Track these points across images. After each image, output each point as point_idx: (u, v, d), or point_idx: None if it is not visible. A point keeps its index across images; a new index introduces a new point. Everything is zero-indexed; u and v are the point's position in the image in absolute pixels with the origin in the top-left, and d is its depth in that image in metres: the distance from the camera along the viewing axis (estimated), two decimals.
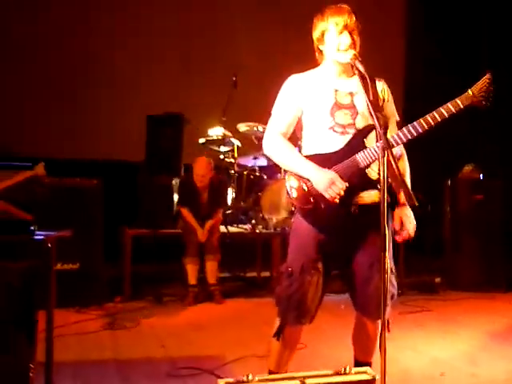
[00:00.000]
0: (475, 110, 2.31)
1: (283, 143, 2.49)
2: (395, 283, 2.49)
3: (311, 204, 2.41)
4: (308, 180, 2.41)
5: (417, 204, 2.15)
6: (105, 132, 6.20)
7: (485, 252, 5.63)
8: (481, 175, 5.80)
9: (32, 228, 2.50)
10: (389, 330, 2.24)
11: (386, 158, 2.13)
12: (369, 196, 2.42)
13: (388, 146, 2.15)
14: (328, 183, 2.34)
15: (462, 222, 5.76)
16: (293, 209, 2.55)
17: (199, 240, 4.95)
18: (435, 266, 5.99)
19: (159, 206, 5.33)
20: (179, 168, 5.54)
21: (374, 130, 2.30)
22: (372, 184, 2.40)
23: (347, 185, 2.35)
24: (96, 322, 4.22)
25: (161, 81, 6.33)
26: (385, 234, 2.08)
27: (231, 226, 5.45)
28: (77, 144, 6.11)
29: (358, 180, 2.38)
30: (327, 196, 2.35)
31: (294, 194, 2.46)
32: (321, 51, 2.51)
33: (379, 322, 2.33)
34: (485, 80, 2.27)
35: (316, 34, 2.47)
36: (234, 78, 5.54)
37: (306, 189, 2.42)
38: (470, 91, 2.27)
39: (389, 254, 2.29)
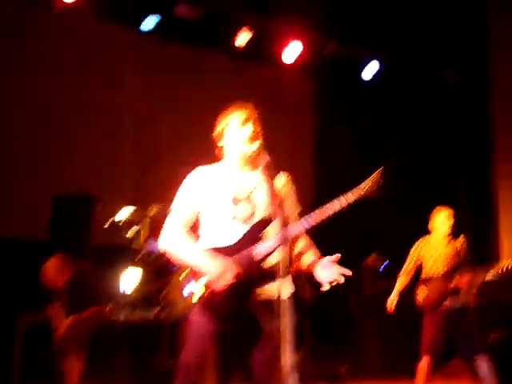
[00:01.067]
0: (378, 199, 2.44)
1: (180, 238, 2.48)
2: (297, 377, 2.46)
3: (207, 297, 2.38)
4: (203, 272, 2.39)
5: (312, 298, 2.18)
6: (9, 209, 5.90)
7: (390, 338, 5.75)
8: (385, 263, 6.05)
9: None
10: None
11: (285, 250, 2.17)
12: (267, 291, 2.42)
13: (287, 238, 2.20)
14: (221, 272, 2.34)
15: (367, 309, 5.90)
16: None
17: None
18: (342, 354, 6.01)
19: None
20: (86, 250, 5.37)
21: (274, 222, 2.35)
22: (269, 277, 2.40)
23: (243, 276, 2.36)
24: None
25: (70, 159, 6.18)
26: (284, 329, 2.08)
27: (134, 312, 5.21)
28: None
29: (255, 272, 2.39)
30: (220, 284, 2.34)
31: (187, 287, 2.43)
32: (220, 148, 2.56)
33: None
34: (376, 175, 2.41)
35: (218, 130, 2.54)
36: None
37: (202, 282, 2.40)
38: (362, 185, 2.39)
39: (289, 350, 2.27)
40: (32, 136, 5.85)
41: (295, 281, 2.35)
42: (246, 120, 2.47)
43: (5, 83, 5.70)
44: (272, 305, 2.30)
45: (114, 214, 5.58)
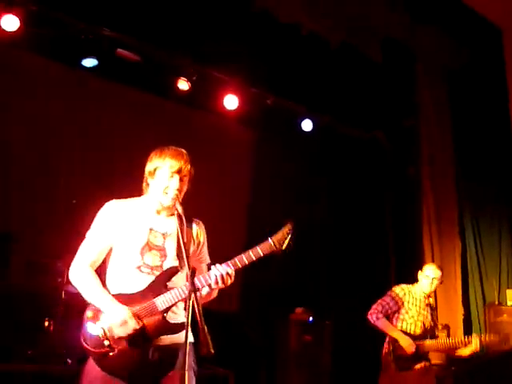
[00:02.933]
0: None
1: (87, 274, 2.42)
2: None
3: (105, 348, 2.30)
4: (105, 322, 2.32)
5: (212, 352, 2.14)
6: None
7: None
8: (310, 317, 6.06)
9: None
10: None
11: (191, 300, 2.14)
12: (168, 338, 2.38)
13: (194, 288, 2.19)
14: (121, 321, 2.28)
15: (292, 361, 5.87)
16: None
17: None
18: None
19: None
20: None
21: (182, 273, 2.35)
22: (171, 329, 2.37)
23: (142, 325, 2.30)
24: None
25: None
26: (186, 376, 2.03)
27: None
28: None
29: (157, 324, 2.34)
30: (118, 333, 2.27)
31: (89, 336, 2.34)
32: (147, 184, 2.55)
33: None
34: (285, 230, 2.40)
35: (149, 168, 2.52)
36: (74, 201, 5.40)
37: (101, 332, 2.32)
38: (270, 240, 2.39)
39: None
40: None
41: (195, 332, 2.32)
42: (176, 172, 2.47)
43: None
44: (172, 352, 2.30)
45: (34, 252, 5.36)
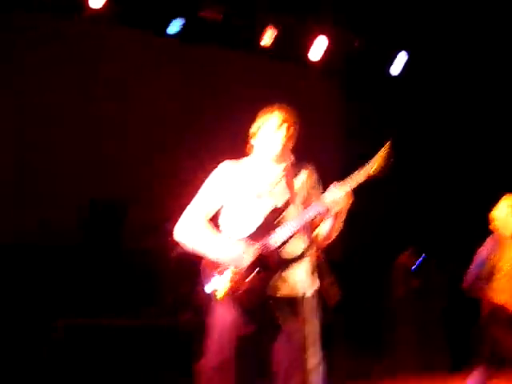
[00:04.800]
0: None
1: (200, 225, 2.52)
2: (324, 376, 2.42)
3: (229, 291, 2.39)
4: (223, 266, 2.41)
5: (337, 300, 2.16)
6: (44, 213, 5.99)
7: (424, 335, 5.68)
8: (418, 261, 5.97)
9: None
10: None
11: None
12: (287, 288, 2.43)
13: (306, 226, 2.28)
14: (239, 256, 2.38)
15: (399, 307, 5.85)
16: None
17: None
18: (375, 352, 5.93)
19: None
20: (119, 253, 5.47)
21: (293, 214, 2.41)
22: (289, 264, 2.43)
23: (261, 259, 2.37)
24: None
25: (104, 164, 6.25)
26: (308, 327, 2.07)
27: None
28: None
29: (275, 260, 2.41)
30: (241, 265, 2.36)
31: (210, 283, 2.44)
32: (251, 145, 2.62)
33: None
34: (384, 150, 2.41)
35: (252, 129, 2.59)
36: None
37: (221, 274, 2.41)
38: (369, 163, 2.40)
39: (315, 348, 2.29)
40: (72, 139, 5.96)
41: (320, 278, 2.35)
42: (282, 123, 2.54)
43: (39, 84, 5.80)
44: (295, 303, 2.33)
45: (146, 218, 5.66)
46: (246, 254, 2.38)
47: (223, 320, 2.42)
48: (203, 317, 2.51)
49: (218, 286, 2.41)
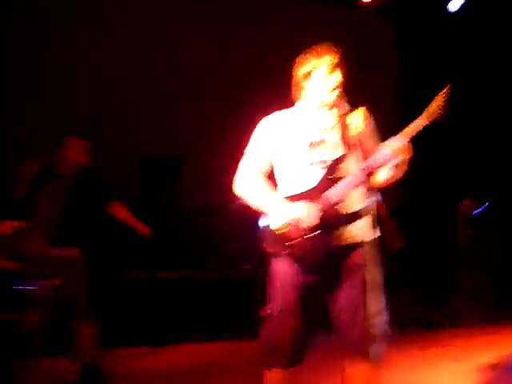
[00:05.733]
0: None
1: (256, 180, 2.48)
2: (387, 322, 2.41)
3: (288, 248, 2.38)
4: (284, 223, 2.37)
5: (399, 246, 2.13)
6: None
7: (488, 285, 5.58)
8: (481, 208, 5.79)
9: (21, 278, 2.46)
10: (384, 369, 2.26)
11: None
12: (346, 236, 2.39)
13: (366, 177, 2.22)
14: (302, 214, 2.33)
15: (459, 255, 5.74)
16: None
17: None
18: (437, 301, 5.87)
19: None
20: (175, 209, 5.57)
21: (351, 163, 2.34)
22: (349, 219, 2.38)
23: (320, 216, 2.33)
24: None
25: (157, 120, 6.31)
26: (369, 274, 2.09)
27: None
28: None
29: (334, 216, 2.36)
30: (301, 226, 2.32)
31: (269, 239, 2.42)
32: (302, 88, 2.49)
33: (369, 363, 2.33)
34: (442, 95, 2.31)
35: (303, 71, 2.46)
36: None
37: (281, 232, 2.38)
38: (428, 109, 2.30)
39: (376, 294, 2.28)
40: (125, 96, 6.00)
41: (381, 226, 2.30)
42: (336, 66, 2.42)
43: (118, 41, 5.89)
44: (355, 249, 2.32)
45: (201, 174, 5.72)
46: (308, 215, 2.33)
47: (285, 270, 2.43)
48: (264, 268, 2.52)
49: (279, 245, 2.39)
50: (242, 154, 2.58)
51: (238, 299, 4.95)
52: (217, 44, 6.31)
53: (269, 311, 2.44)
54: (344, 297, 2.39)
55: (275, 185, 2.55)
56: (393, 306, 2.46)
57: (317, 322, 2.52)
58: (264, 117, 2.56)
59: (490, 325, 5.25)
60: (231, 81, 6.23)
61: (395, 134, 2.33)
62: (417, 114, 2.35)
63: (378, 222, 2.27)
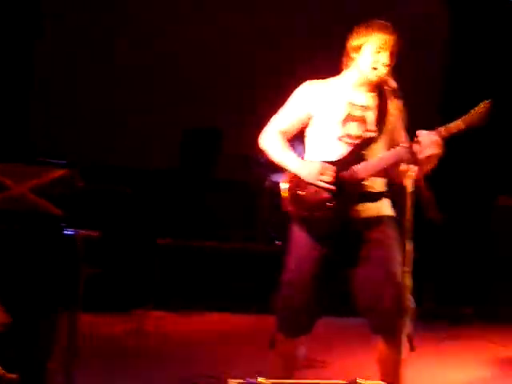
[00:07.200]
0: None
1: (278, 139, 2.51)
2: (413, 299, 2.39)
3: (306, 212, 2.41)
4: (303, 185, 2.41)
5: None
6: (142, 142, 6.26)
7: None
8: None
9: (62, 224, 2.54)
10: (412, 348, 2.26)
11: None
12: (367, 209, 2.41)
13: (391, 160, 2.28)
14: (318, 172, 2.36)
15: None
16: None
17: None
18: (468, 295, 5.77)
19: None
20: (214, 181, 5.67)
21: (381, 145, 2.37)
22: (371, 197, 2.40)
23: (340, 180, 2.35)
24: (120, 327, 4.32)
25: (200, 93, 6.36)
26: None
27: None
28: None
29: (357, 190, 2.39)
30: (319, 184, 2.36)
31: (289, 199, 2.45)
32: (351, 58, 2.50)
33: (398, 340, 2.30)
34: (484, 105, 2.34)
35: (355, 42, 2.47)
36: None
37: (300, 194, 2.42)
38: (469, 114, 2.33)
39: (398, 268, 2.30)
40: (163, 71, 6.10)
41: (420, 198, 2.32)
42: (384, 47, 2.41)
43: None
44: (373, 223, 2.33)
45: (240, 148, 5.76)
46: (326, 174, 2.36)
47: (303, 241, 2.46)
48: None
49: (298, 206, 2.43)
50: None
51: (267, 274, 5.02)
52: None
53: (285, 278, 2.49)
54: (368, 271, 2.39)
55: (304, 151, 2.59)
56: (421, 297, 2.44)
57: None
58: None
59: None
60: (271, 55, 6.18)
61: (432, 128, 2.34)
62: (459, 108, 2.37)
63: (417, 194, 2.25)
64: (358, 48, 2.45)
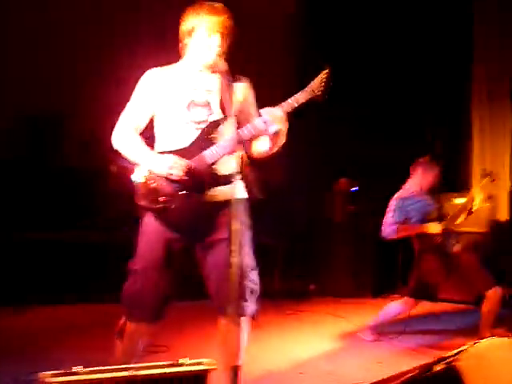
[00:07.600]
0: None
1: (129, 138, 2.49)
2: (256, 279, 2.51)
3: (159, 203, 2.41)
4: (157, 177, 2.40)
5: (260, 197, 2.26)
6: None
7: (355, 261, 5.91)
8: (355, 188, 6.11)
9: None
10: (255, 321, 2.40)
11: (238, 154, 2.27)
12: (220, 193, 2.45)
13: (240, 141, 2.30)
14: (170, 164, 2.37)
15: (337, 231, 6.03)
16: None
17: None
18: (308, 274, 6.13)
19: None
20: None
21: (228, 126, 2.38)
22: (221, 181, 2.44)
23: (191, 170, 2.37)
24: None
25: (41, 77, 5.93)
26: (235, 229, 2.17)
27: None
28: None
29: (207, 176, 2.42)
30: (172, 176, 2.36)
31: (142, 192, 2.44)
32: (185, 45, 2.50)
33: (241, 320, 2.42)
34: (323, 75, 2.42)
35: (185, 27, 2.46)
36: None
37: (152, 186, 2.41)
38: (309, 86, 2.41)
39: (244, 250, 2.37)
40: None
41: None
42: (216, 30, 2.41)
43: None
44: (225, 206, 2.36)
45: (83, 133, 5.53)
46: (176, 167, 2.36)
47: (153, 226, 2.46)
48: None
49: (150, 198, 2.42)
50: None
51: (115, 261, 4.90)
52: None
53: (134, 266, 2.47)
54: (216, 253, 2.44)
55: (154, 141, 2.56)
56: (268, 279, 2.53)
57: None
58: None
59: (356, 296, 5.60)
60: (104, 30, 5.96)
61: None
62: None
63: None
64: (190, 32, 2.45)
